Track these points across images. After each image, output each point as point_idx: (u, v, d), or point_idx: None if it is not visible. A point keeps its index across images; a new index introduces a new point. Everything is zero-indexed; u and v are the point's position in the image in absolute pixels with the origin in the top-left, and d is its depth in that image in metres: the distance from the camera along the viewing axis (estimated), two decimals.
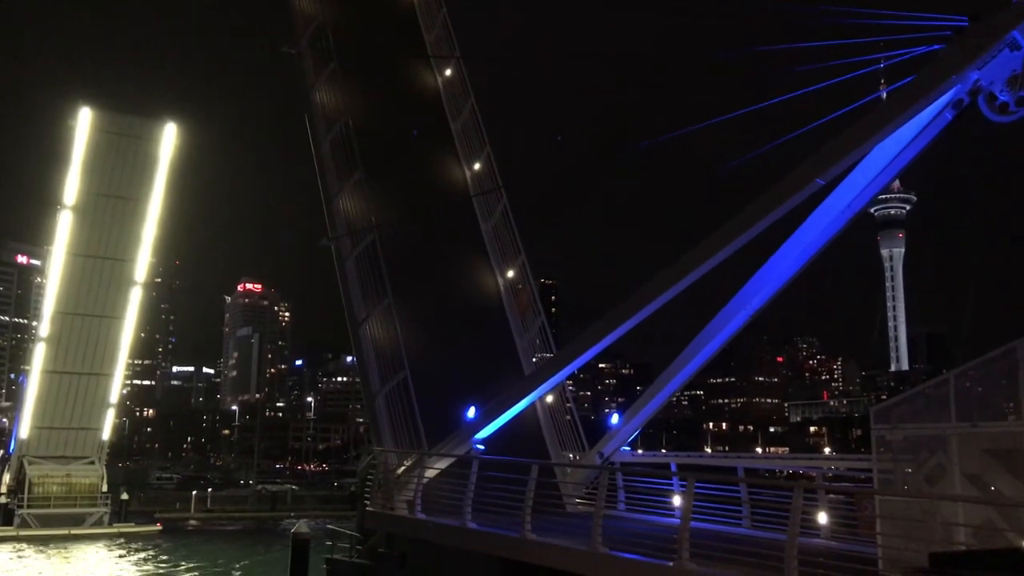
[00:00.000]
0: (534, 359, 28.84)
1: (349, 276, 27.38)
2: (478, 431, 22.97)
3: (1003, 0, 15.02)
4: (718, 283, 21.16)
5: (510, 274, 30.57)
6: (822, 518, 17.91)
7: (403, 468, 23.52)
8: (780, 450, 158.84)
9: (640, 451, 27.60)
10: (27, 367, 59.93)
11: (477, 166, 32.17)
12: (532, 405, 27.83)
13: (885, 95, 16.74)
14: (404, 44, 34.93)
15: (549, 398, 28.35)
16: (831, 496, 18.72)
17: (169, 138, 54.24)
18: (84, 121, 51.99)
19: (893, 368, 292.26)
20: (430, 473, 22.42)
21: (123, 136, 53.33)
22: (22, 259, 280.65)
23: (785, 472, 42.92)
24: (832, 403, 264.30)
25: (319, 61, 31.27)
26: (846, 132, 16.83)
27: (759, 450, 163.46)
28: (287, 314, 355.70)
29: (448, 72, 34.32)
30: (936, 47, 15.77)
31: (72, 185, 52.55)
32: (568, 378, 25.83)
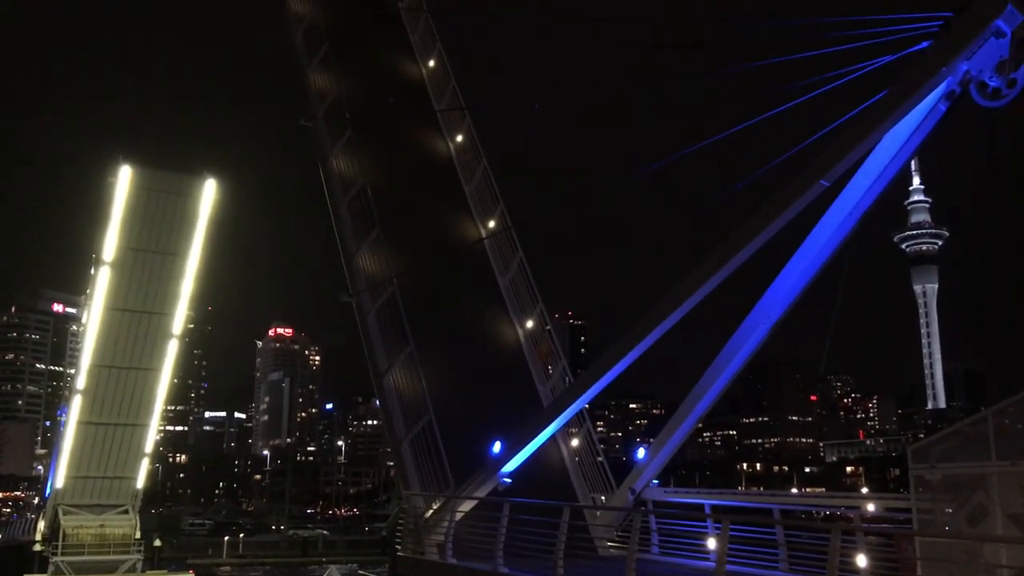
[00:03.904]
0: None
1: (371, 330, 27.96)
2: (504, 465, 22.91)
3: None
4: (742, 311, 20.87)
5: (529, 324, 31.18)
6: (861, 560, 17.51)
7: (432, 511, 23.44)
8: (817, 491, 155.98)
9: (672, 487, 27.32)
10: (63, 417, 60.46)
11: (491, 224, 33.22)
12: (559, 449, 27.83)
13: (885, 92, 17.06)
14: (416, 113, 36.59)
15: (575, 441, 28.44)
16: (870, 538, 18.34)
17: (209, 193, 54.49)
18: (124, 178, 52.42)
19: (930, 406, 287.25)
20: (460, 515, 22.34)
21: (163, 192, 53.56)
22: (58, 308, 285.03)
23: (822, 513, 42.16)
24: (868, 442, 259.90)
25: (335, 131, 32.63)
26: (845, 132, 17.17)
27: (794, 490, 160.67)
28: (317, 358, 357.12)
29: (460, 138, 35.75)
30: (925, 44, 16.27)
31: (111, 241, 52.97)
32: (596, 419, 25.81)
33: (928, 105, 16.58)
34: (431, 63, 38.25)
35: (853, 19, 17.22)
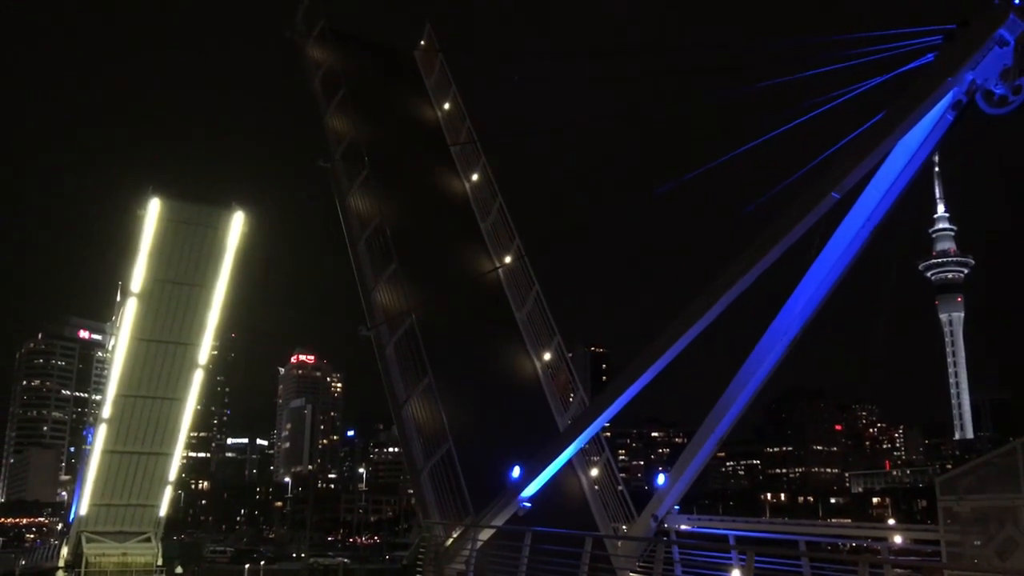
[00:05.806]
0: None
1: (389, 362, 28.21)
2: (524, 489, 22.81)
3: (982, 2, 16.00)
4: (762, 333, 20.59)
5: (547, 356, 31.42)
6: None
7: (452, 540, 23.35)
8: (843, 521, 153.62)
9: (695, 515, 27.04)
10: (90, 438, 60.86)
11: (508, 259, 33.75)
12: (578, 478, 27.69)
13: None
14: (432, 153, 37.37)
15: (594, 471, 28.32)
16: (898, 570, 18.05)
17: (237, 225, 54.75)
18: (153, 211, 52.76)
19: (957, 436, 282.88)
20: (480, 543, 22.24)
21: (191, 224, 53.90)
22: (84, 334, 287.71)
23: (848, 545, 41.59)
24: (895, 473, 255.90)
25: (352, 171, 33.28)
26: (855, 143, 17.33)
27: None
28: (339, 385, 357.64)
29: (475, 176, 36.44)
30: (929, 57, 16.61)
31: (139, 272, 53.31)
32: (618, 448, 25.59)
33: (936, 115, 16.88)
34: (446, 105, 39.15)
35: (857, 36, 17.50)
